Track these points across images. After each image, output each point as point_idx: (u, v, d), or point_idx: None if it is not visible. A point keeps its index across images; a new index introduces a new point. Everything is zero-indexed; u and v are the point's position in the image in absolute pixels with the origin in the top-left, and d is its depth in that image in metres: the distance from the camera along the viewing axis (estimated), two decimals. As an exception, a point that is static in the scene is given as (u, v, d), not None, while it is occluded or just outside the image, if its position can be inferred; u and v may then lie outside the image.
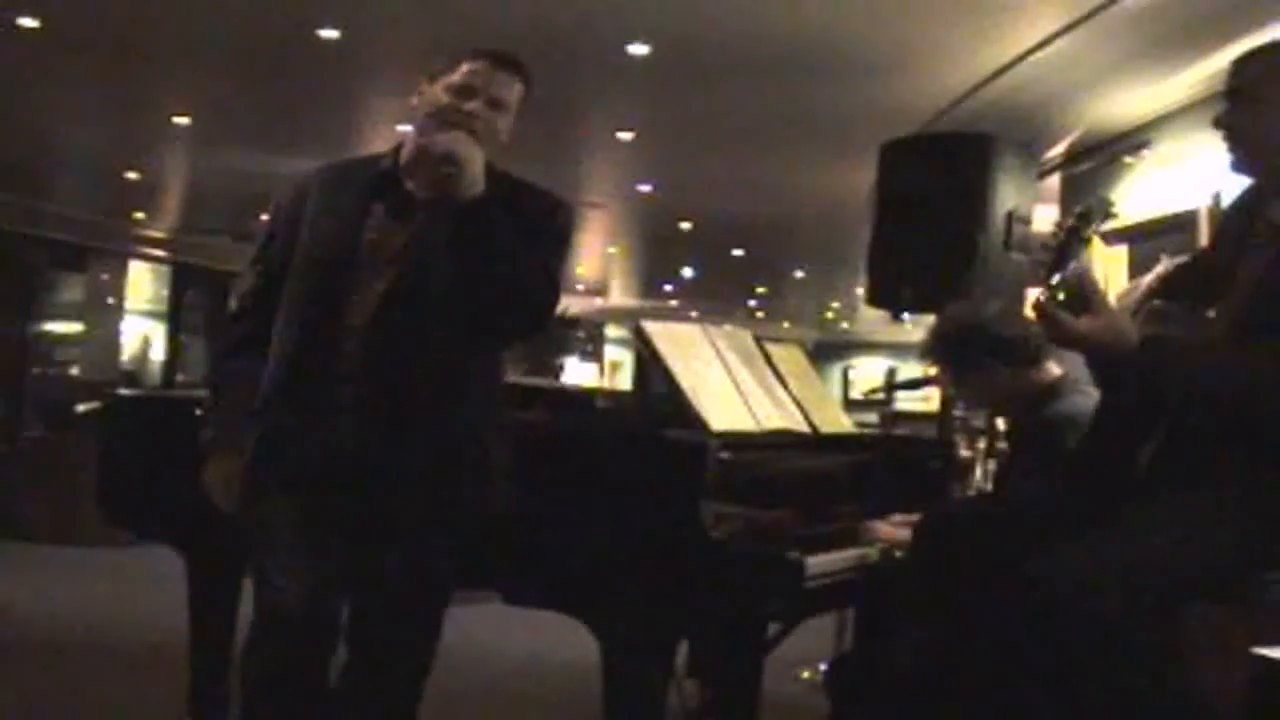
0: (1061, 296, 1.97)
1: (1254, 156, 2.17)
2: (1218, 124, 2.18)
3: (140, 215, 12.31)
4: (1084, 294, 1.95)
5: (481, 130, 2.23)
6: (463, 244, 2.17)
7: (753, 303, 18.31)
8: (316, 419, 2.23)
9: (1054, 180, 6.88)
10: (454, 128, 2.21)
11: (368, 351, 2.22)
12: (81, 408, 7.82)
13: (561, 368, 16.04)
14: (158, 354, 14.31)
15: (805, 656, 4.38)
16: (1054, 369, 2.87)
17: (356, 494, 2.23)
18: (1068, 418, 2.71)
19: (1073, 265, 2.01)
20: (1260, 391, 1.96)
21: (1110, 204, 2.18)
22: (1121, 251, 5.98)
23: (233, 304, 2.47)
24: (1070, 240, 2.07)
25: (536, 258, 2.26)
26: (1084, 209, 2.14)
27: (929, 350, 2.94)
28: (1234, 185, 2.38)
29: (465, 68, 2.26)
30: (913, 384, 6.29)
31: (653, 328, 2.61)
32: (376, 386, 2.22)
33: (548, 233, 2.36)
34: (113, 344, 13.26)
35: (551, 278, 2.32)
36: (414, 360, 2.23)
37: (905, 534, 2.60)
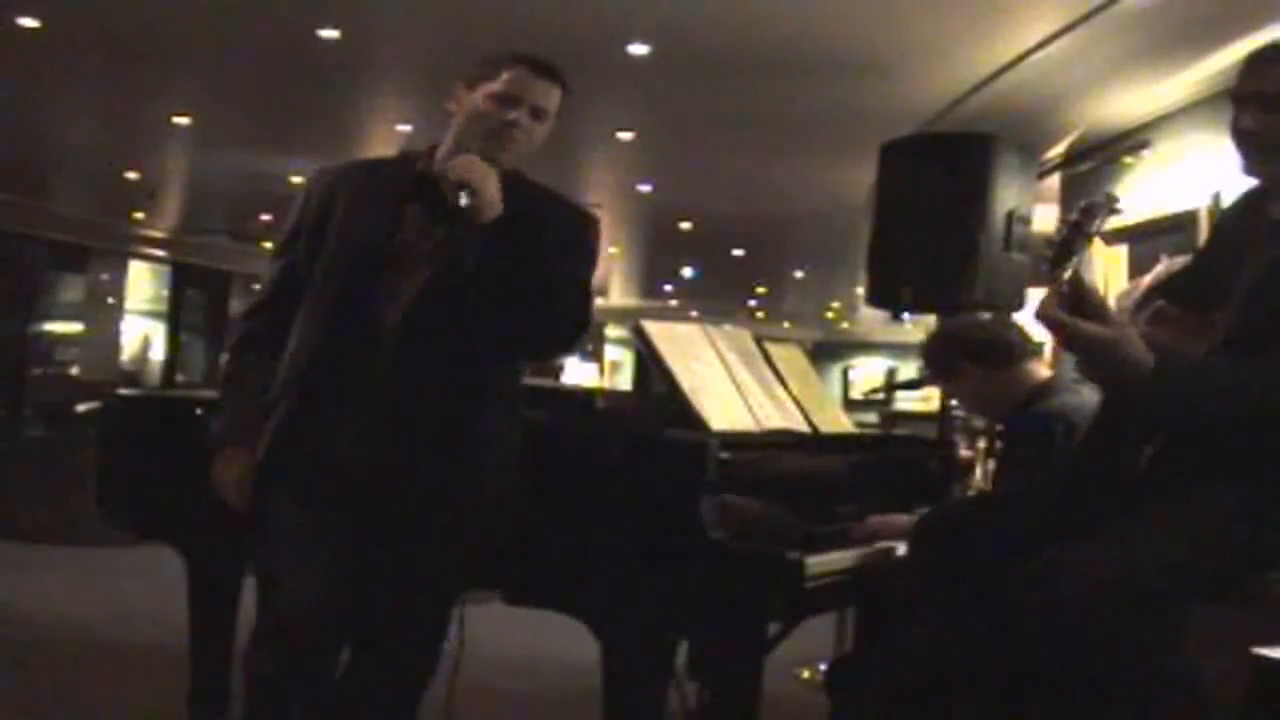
0: (1066, 291, 1.96)
1: (1275, 160, 2.12)
2: (1241, 130, 2.11)
3: (140, 215, 12.31)
4: (1092, 303, 1.94)
5: (522, 139, 2.25)
6: (489, 263, 2.18)
7: (753, 303, 18.32)
8: (340, 418, 2.22)
9: (1054, 180, 6.88)
10: (497, 138, 2.23)
11: (398, 353, 2.21)
12: (81, 408, 7.82)
13: (561, 368, 16.03)
14: (158, 354, 14.33)
15: (805, 656, 4.38)
16: (1041, 371, 2.93)
17: (374, 495, 2.23)
18: (1057, 414, 2.74)
19: (1075, 264, 2.00)
20: (1268, 414, 1.95)
21: (1115, 199, 2.16)
22: (1121, 251, 5.98)
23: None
24: (1075, 235, 2.06)
25: (565, 275, 2.28)
26: (1088, 204, 2.12)
27: (922, 362, 3.07)
28: (1234, 185, 2.37)
29: (506, 75, 2.25)
30: (913, 384, 6.31)
31: (653, 328, 2.61)
32: (405, 389, 2.21)
33: (579, 247, 2.37)
34: (113, 344, 13.27)
35: (585, 293, 2.34)
36: (443, 365, 2.22)
37: (905, 521, 2.60)
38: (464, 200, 2.14)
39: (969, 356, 2.93)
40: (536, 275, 2.21)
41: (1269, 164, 2.13)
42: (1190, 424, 2.04)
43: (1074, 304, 1.93)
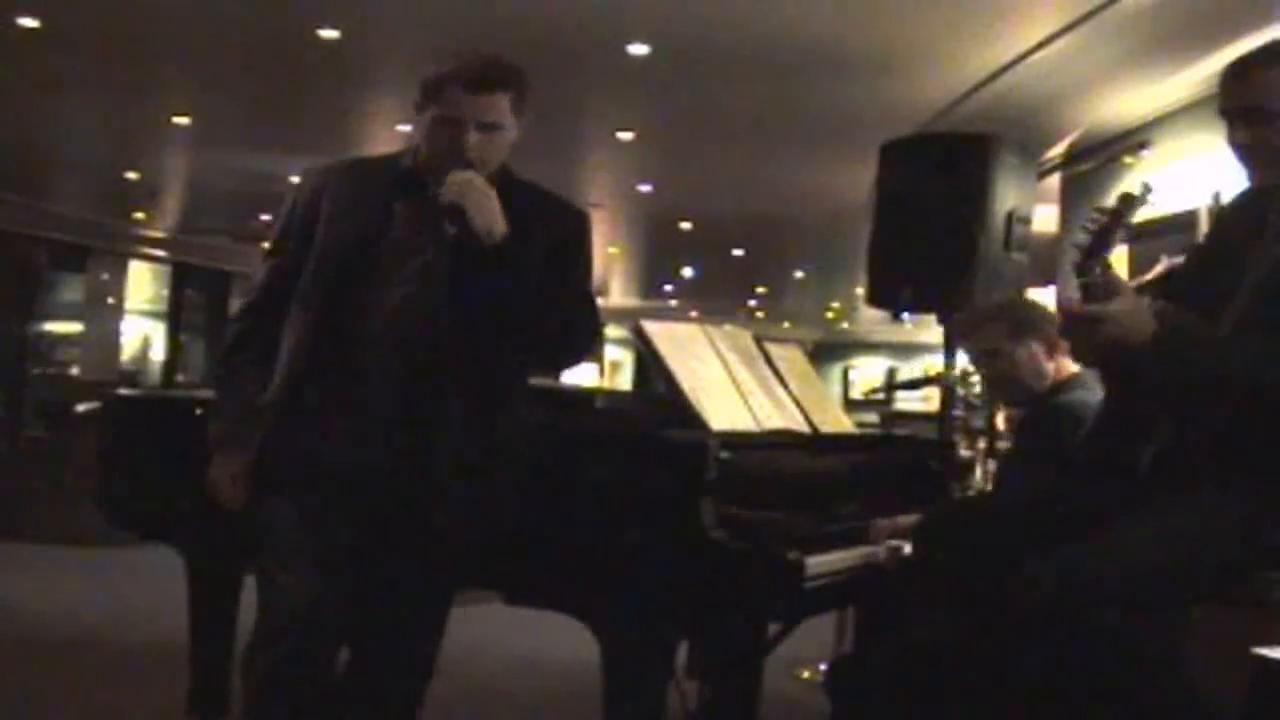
0: (1101, 284, 1.97)
1: (1276, 168, 2.12)
2: (1238, 145, 2.12)
3: (140, 215, 12.31)
4: (1107, 287, 1.95)
5: (480, 159, 2.21)
6: (493, 287, 2.18)
7: (753, 303, 18.32)
8: (334, 418, 2.22)
9: (1054, 180, 6.89)
10: (452, 163, 2.20)
11: (397, 355, 2.21)
12: (81, 408, 7.82)
13: (561, 368, 15.99)
14: (158, 354, 14.33)
15: (805, 656, 4.38)
16: (1071, 364, 2.94)
17: (370, 494, 2.22)
18: (1071, 408, 2.78)
19: (1108, 256, 2.00)
20: (1275, 378, 1.95)
21: (1149, 190, 2.15)
22: (1121, 251, 5.98)
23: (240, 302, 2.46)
24: (1112, 225, 2.06)
25: (572, 283, 2.30)
26: (1127, 195, 2.11)
27: (984, 319, 2.99)
28: (1234, 185, 2.37)
29: (448, 95, 2.21)
30: (913, 384, 6.30)
31: (653, 328, 2.61)
32: (395, 390, 2.21)
33: (579, 251, 2.38)
34: (113, 344, 13.26)
35: (590, 302, 2.36)
36: (443, 366, 2.21)
37: (909, 520, 2.61)
38: (450, 230, 2.13)
39: (1039, 334, 2.95)
40: (537, 298, 2.22)
41: (1271, 173, 2.13)
42: (1193, 391, 2.04)
43: (1102, 295, 1.94)
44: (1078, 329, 2.01)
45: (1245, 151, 2.13)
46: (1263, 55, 2.15)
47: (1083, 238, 2.07)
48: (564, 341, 2.35)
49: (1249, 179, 2.19)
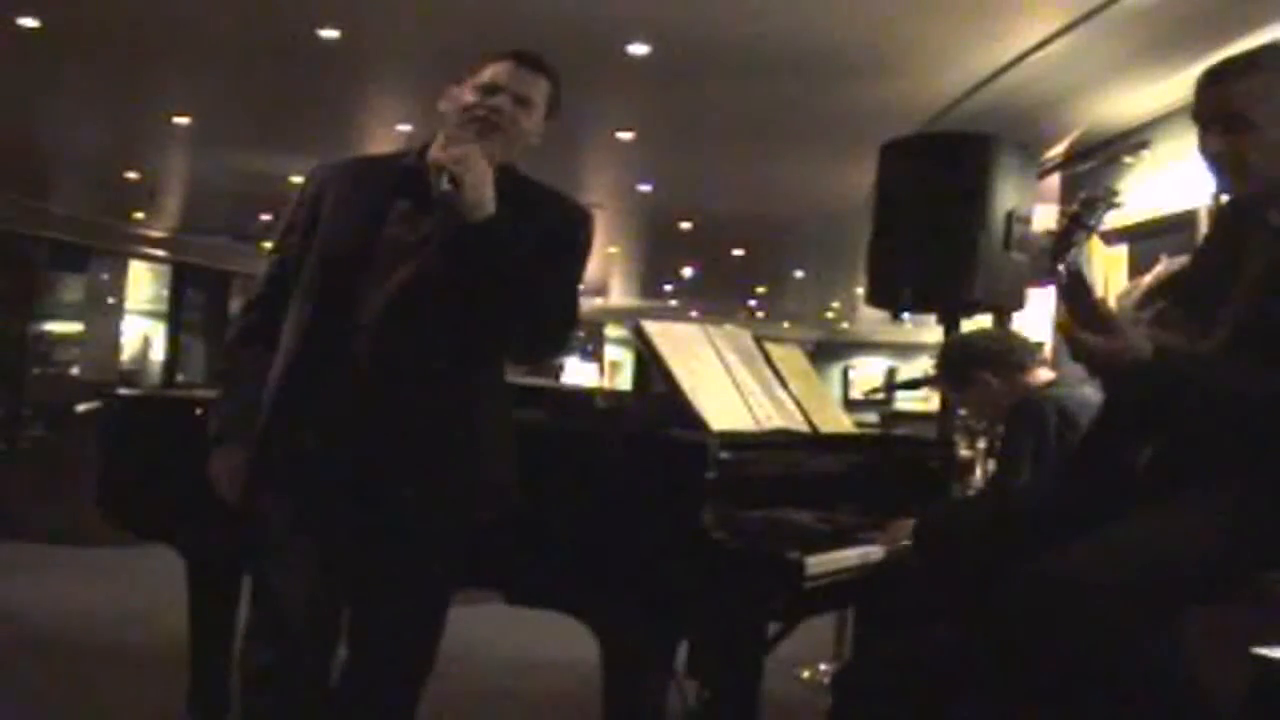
0: (1066, 283, 1.97)
1: (1250, 176, 2.08)
2: (1210, 154, 2.08)
3: (140, 215, 12.31)
4: (1098, 313, 1.94)
5: (508, 126, 2.25)
6: (471, 266, 2.16)
7: (753, 303, 18.32)
8: (322, 416, 2.22)
9: (1054, 180, 6.89)
10: (479, 122, 2.23)
11: (377, 349, 2.21)
12: (81, 408, 7.82)
13: (561, 368, 16.02)
14: (158, 354, 14.32)
15: (805, 656, 4.39)
16: (1046, 374, 2.97)
17: (361, 493, 2.22)
18: (1051, 400, 2.81)
19: (1073, 256, 1.99)
20: (1268, 409, 1.95)
21: (1115, 193, 2.13)
22: (1121, 251, 5.99)
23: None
24: (1073, 228, 2.04)
25: (555, 276, 2.27)
26: (1088, 196, 2.10)
27: (937, 379, 3.17)
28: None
29: (491, 67, 2.28)
30: (913, 384, 6.31)
31: (653, 327, 2.61)
32: (386, 385, 2.21)
33: (571, 246, 2.36)
34: (113, 344, 13.27)
35: (571, 298, 2.34)
36: (426, 358, 2.22)
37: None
38: (444, 186, 2.12)
39: (984, 366, 3.00)
40: (514, 287, 2.20)
41: (1242, 182, 2.11)
42: (1189, 419, 2.05)
43: (1072, 296, 1.93)
44: (1071, 346, 2.01)
45: (1217, 160, 2.09)
46: (1242, 61, 2.10)
47: (1047, 241, 2.06)
48: (534, 327, 2.29)
49: (1219, 188, 2.17)
